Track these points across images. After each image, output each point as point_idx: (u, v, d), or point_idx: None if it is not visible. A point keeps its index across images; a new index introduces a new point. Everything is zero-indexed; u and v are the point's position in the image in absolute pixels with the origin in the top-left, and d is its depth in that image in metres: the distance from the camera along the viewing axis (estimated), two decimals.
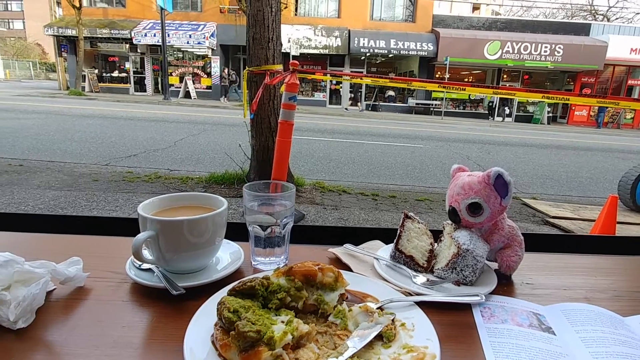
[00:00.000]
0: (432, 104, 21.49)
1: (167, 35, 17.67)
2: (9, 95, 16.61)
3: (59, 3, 22.79)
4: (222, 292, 0.54)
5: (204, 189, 4.29)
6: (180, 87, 20.88)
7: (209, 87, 21.55)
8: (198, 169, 5.27)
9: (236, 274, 0.64)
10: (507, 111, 21.40)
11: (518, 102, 21.59)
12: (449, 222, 0.71)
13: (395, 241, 0.71)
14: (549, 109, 21.32)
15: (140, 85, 22.29)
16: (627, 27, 21.99)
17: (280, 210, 0.67)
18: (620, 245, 0.93)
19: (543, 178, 6.35)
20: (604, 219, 3.31)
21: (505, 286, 0.67)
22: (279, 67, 3.91)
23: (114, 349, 0.47)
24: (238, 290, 0.48)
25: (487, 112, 21.79)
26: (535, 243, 0.85)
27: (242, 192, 0.68)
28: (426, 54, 20.05)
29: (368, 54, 20.80)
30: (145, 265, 0.63)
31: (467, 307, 0.59)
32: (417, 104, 21.57)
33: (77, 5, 18.93)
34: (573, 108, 21.48)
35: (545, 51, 19.85)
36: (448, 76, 20.07)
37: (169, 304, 0.56)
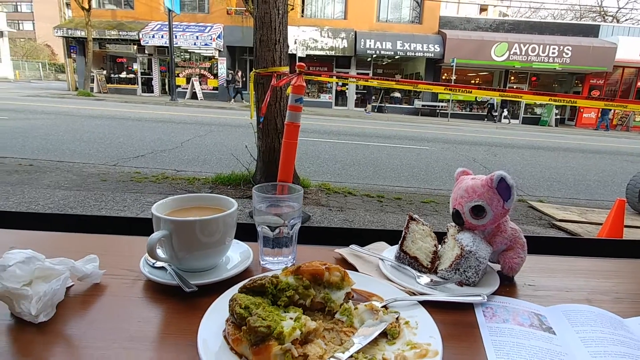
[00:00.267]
0: (439, 106, 21.43)
1: (174, 36, 17.81)
2: (19, 95, 16.84)
3: (68, 5, 23.06)
4: (233, 290, 0.56)
5: (210, 190, 4.33)
6: (187, 88, 21.04)
7: (215, 88, 21.68)
8: (205, 170, 5.31)
9: (245, 273, 0.67)
10: (505, 112, 21.20)
11: (525, 104, 21.46)
12: (453, 224, 0.73)
13: (400, 242, 0.73)
14: (557, 111, 21.16)
15: (147, 86, 22.49)
16: (637, 28, 21.78)
17: (288, 212, 0.69)
18: (623, 249, 0.94)
19: (550, 181, 6.32)
20: (611, 223, 3.29)
21: (507, 287, 0.69)
22: (286, 69, 3.94)
23: (131, 343, 0.49)
24: (249, 287, 0.51)
25: (485, 113, 21.59)
26: (538, 246, 0.86)
27: (248, 193, 0.70)
28: (433, 55, 20.00)
29: (374, 56, 20.81)
30: (159, 264, 0.65)
31: (469, 307, 0.60)
32: (423, 105, 21.52)
33: (86, 7, 19.16)
34: (581, 110, 21.29)
35: (553, 53, 19.72)
36: (455, 78, 20.01)
37: (182, 300, 0.59)
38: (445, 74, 21.45)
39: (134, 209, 3.66)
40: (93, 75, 20.88)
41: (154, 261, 0.65)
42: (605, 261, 0.83)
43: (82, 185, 4.27)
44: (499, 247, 0.70)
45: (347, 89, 22.18)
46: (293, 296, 0.51)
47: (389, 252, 0.77)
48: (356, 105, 22.53)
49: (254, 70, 3.94)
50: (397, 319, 0.53)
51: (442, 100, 21.39)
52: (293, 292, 0.52)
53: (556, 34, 20.55)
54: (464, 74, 22.13)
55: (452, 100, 20.99)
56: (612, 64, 19.52)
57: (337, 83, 21.87)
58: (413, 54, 20.09)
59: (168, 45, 17.65)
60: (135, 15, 21.16)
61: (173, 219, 0.61)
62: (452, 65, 19.38)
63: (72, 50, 21.99)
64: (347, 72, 21.41)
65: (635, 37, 20.08)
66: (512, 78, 22.23)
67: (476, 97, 20.86)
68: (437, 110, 21.41)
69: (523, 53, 19.84)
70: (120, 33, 20.41)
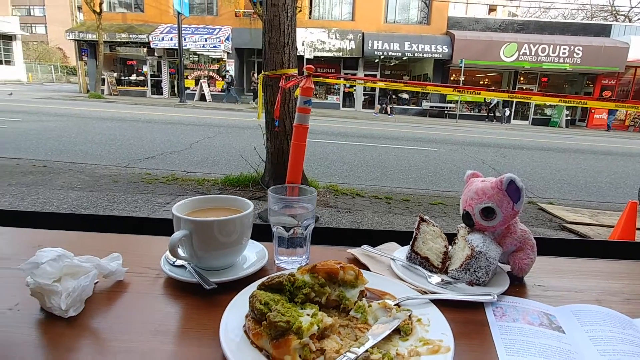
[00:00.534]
0: (447, 107, 21.32)
1: (183, 39, 18.00)
2: (32, 98, 17.14)
3: (80, 8, 23.45)
4: (250, 288, 0.58)
5: (219, 191, 4.38)
6: (195, 90, 21.23)
7: (223, 90, 21.83)
8: (214, 171, 5.37)
9: (261, 272, 0.69)
10: (508, 113, 20.97)
11: (535, 105, 21.25)
12: (463, 225, 0.74)
13: (411, 243, 0.74)
14: (568, 112, 20.92)
15: (157, 88, 22.74)
16: None
17: (302, 213, 0.71)
18: (633, 251, 0.95)
19: (560, 183, 6.26)
20: (623, 225, 3.26)
21: (517, 287, 0.70)
22: (294, 71, 3.97)
23: (155, 336, 0.51)
24: (267, 285, 0.53)
25: (486, 114, 21.39)
26: (548, 247, 0.87)
27: (257, 194, 0.73)
28: (441, 56, 19.92)
29: (382, 57, 20.79)
30: (178, 262, 0.68)
31: (480, 306, 0.62)
32: (431, 106, 21.43)
33: (98, 10, 19.46)
34: (592, 111, 21.03)
35: (563, 53, 19.51)
36: (463, 79, 19.90)
37: (201, 297, 0.61)
38: (454, 75, 21.34)
39: (145, 209, 3.72)
40: (104, 78, 21.18)
41: (174, 260, 0.68)
42: (616, 263, 0.83)
43: (94, 186, 4.35)
44: (509, 248, 0.72)
45: (354, 90, 22.18)
46: (309, 293, 0.54)
47: (400, 252, 0.79)
48: (364, 107, 22.52)
49: (263, 72, 3.98)
50: (409, 316, 0.54)
51: (450, 102, 21.28)
52: (309, 290, 0.54)
53: (567, 34, 20.34)
54: (472, 74, 22.00)
55: (461, 101, 20.87)
56: (624, 64, 19.25)
57: (344, 84, 21.89)
58: (421, 55, 20.03)
59: (177, 47, 17.85)
60: (145, 18, 21.42)
61: (193, 219, 0.63)
62: (461, 66, 19.27)
63: (83, 53, 22.34)
64: (355, 74, 21.42)
65: None
66: (522, 79, 22.03)
67: (485, 99, 20.73)
68: (445, 112, 21.30)
69: (533, 53, 19.66)
70: (131, 36, 20.68)
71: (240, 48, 21.03)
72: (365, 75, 21.47)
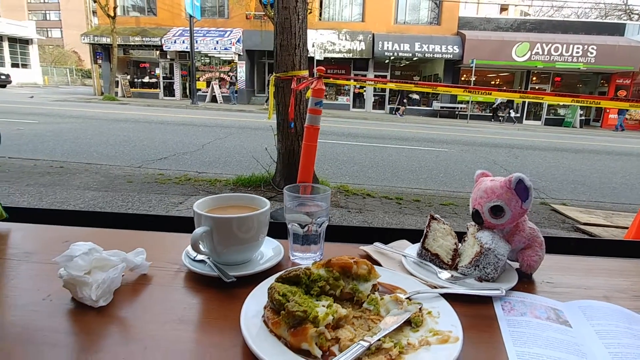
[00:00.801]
0: (458, 108, 21.16)
1: (195, 41, 18.24)
2: (49, 100, 17.54)
3: (94, 12, 23.90)
4: (268, 281, 0.61)
5: (231, 191, 4.43)
6: (207, 92, 21.47)
7: (235, 92, 22.02)
8: (225, 172, 5.43)
9: (277, 267, 0.72)
10: (513, 113, 20.67)
11: (548, 105, 20.96)
12: (473, 223, 0.76)
13: (421, 240, 0.77)
14: (581, 112, 20.59)
15: (169, 90, 23.06)
16: None
17: (316, 211, 0.74)
18: None
19: (574, 183, 6.18)
20: (637, 226, 3.20)
21: (526, 284, 0.72)
22: (305, 73, 4.01)
23: (180, 325, 0.55)
24: (285, 278, 0.56)
25: (493, 114, 21.14)
26: (558, 246, 0.89)
27: (268, 194, 0.76)
28: (452, 56, 19.80)
29: (392, 58, 20.74)
30: (199, 257, 0.71)
31: (488, 301, 0.64)
32: (442, 107, 21.30)
33: (112, 14, 19.82)
34: (607, 111, 20.66)
35: (577, 52, 19.22)
36: (474, 79, 19.75)
37: (221, 290, 0.64)
38: (465, 75, 21.19)
39: (159, 209, 3.79)
40: (118, 80, 21.56)
41: (194, 255, 0.71)
42: (625, 261, 0.84)
43: (109, 186, 4.44)
44: (518, 245, 0.74)
45: (364, 91, 22.17)
46: (324, 286, 0.56)
47: (411, 249, 0.81)
48: (374, 108, 22.49)
49: (274, 74, 4.02)
50: (420, 309, 0.57)
51: (461, 102, 21.12)
52: (324, 283, 0.57)
53: (580, 33, 20.04)
54: (483, 75, 21.82)
55: (472, 101, 20.70)
56: (639, 63, 18.88)
57: (354, 85, 21.89)
58: (431, 55, 19.94)
59: (189, 50, 18.09)
60: (158, 21, 21.75)
61: (213, 216, 0.67)
62: (472, 67, 19.12)
63: (98, 57, 22.78)
64: (365, 75, 21.41)
65: None
66: (534, 78, 21.77)
67: (496, 99, 20.53)
68: (456, 112, 21.15)
69: (545, 53, 19.41)
70: (144, 39, 21.03)
71: (251, 50, 21.20)
72: (375, 76, 21.46)
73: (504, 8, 30.41)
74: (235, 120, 12.77)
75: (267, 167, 4.73)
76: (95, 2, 20.26)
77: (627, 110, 18.99)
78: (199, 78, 21.50)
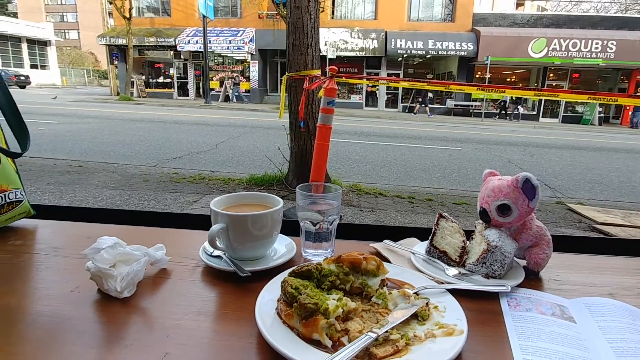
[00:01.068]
0: (472, 106, 20.91)
1: (208, 41, 18.43)
2: (67, 101, 17.97)
3: (110, 14, 24.38)
4: (282, 275, 0.64)
5: (244, 190, 4.49)
6: (220, 91, 21.68)
7: (247, 91, 22.20)
8: (239, 171, 5.50)
9: (290, 263, 0.75)
10: (521, 109, 20.23)
11: (565, 102, 20.54)
12: (480, 221, 0.78)
13: (430, 238, 0.79)
14: (600, 109, 20.10)
15: (183, 90, 23.38)
16: None
17: (328, 209, 0.77)
18: None
19: (592, 182, 6.06)
20: None
21: (532, 281, 0.73)
22: (318, 72, 4.04)
23: (199, 316, 0.58)
24: (297, 272, 0.59)
25: (501, 111, 20.75)
26: (566, 244, 0.89)
27: (281, 193, 0.79)
28: (466, 53, 19.57)
29: (405, 55, 20.61)
30: (215, 253, 0.75)
31: (495, 297, 0.66)
32: (455, 105, 21.07)
33: (127, 15, 20.20)
34: (627, 108, 20.13)
35: (596, 48, 18.77)
36: (489, 76, 19.46)
37: (236, 284, 0.68)
38: (479, 73, 20.91)
39: (174, 207, 3.87)
40: (133, 81, 21.96)
41: (211, 250, 0.75)
42: (633, 260, 0.85)
43: (126, 185, 4.55)
44: (525, 243, 0.75)
45: (377, 89, 22.08)
46: (335, 281, 0.59)
47: (420, 247, 0.83)
48: (386, 106, 22.38)
49: (287, 73, 4.06)
50: (427, 303, 0.59)
51: (475, 100, 20.86)
52: (335, 278, 0.59)
53: (599, 28, 19.54)
54: (499, 72, 21.49)
55: (486, 99, 20.41)
56: None
57: (367, 84, 21.82)
58: (445, 52, 19.73)
59: (202, 50, 18.30)
60: (172, 22, 22.06)
61: (229, 214, 0.70)
62: (486, 64, 18.85)
63: (114, 57, 23.24)
64: (378, 73, 21.32)
65: None
66: (551, 75, 21.34)
67: (504, 96, 20.17)
68: (471, 110, 20.90)
69: (563, 49, 19.01)
70: (158, 40, 21.36)
71: (264, 49, 21.33)
72: (388, 74, 21.35)
73: (520, 3, 29.86)
74: (248, 119, 12.88)
75: (279, 166, 4.78)
76: (111, 3, 20.66)
77: None
78: (212, 78, 21.74)
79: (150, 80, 23.93)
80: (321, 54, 4.15)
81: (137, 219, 1.00)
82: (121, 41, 21.39)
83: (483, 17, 20.65)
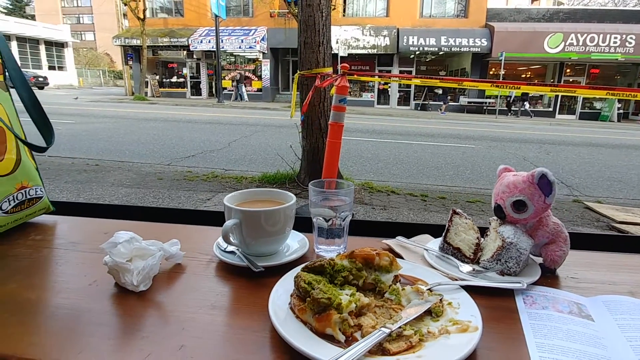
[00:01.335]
0: (486, 103, 20.60)
1: (220, 40, 18.57)
2: (84, 101, 18.33)
3: (125, 15, 24.76)
4: (294, 270, 0.65)
5: (257, 188, 4.51)
6: (232, 90, 21.84)
7: (259, 90, 22.31)
8: (251, 169, 5.54)
9: (302, 258, 0.75)
10: (527, 106, 19.79)
11: (583, 98, 20.08)
12: (495, 218, 0.77)
13: (443, 234, 0.78)
14: (619, 105, 19.59)
15: (195, 89, 23.62)
16: None
17: (340, 205, 0.77)
18: None
19: (610, 180, 5.92)
20: None
21: (549, 278, 0.72)
22: (329, 70, 4.03)
23: (213, 310, 0.59)
24: (310, 267, 0.59)
25: (506, 108, 20.36)
26: (584, 242, 0.88)
27: (292, 191, 0.79)
28: (479, 50, 19.29)
29: (417, 52, 20.41)
30: (229, 248, 0.75)
31: (510, 294, 0.65)
32: (469, 102, 20.79)
33: (141, 16, 20.49)
34: None
35: (614, 42, 18.29)
36: (503, 72, 19.14)
37: (250, 279, 0.68)
38: (493, 69, 20.60)
39: (187, 205, 3.92)
40: (147, 81, 22.27)
41: (225, 246, 0.76)
42: None
43: (141, 183, 4.62)
44: (541, 240, 0.74)
45: (389, 87, 21.94)
46: (348, 277, 0.59)
47: (433, 243, 0.82)
48: (399, 104, 22.22)
49: (298, 71, 4.06)
50: (440, 300, 0.59)
51: (489, 97, 20.55)
52: (348, 273, 0.59)
53: (618, 22, 19.03)
54: (513, 68, 21.13)
55: (500, 96, 20.09)
56: None
57: (379, 82, 21.69)
58: (458, 49, 19.49)
59: (215, 49, 18.45)
60: (185, 22, 22.29)
61: (242, 209, 0.71)
62: (501, 60, 18.54)
63: (128, 58, 23.60)
64: (390, 70, 21.18)
65: None
66: (568, 71, 20.87)
67: (511, 92, 19.80)
68: (484, 107, 20.60)
69: (580, 43, 18.57)
70: (172, 40, 21.62)
71: (275, 48, 21.40)
72: (400, 71, 21.19)
73: None
74: (260, 118, 12.94)
75: (291, 164, 4.79)
76: (125, 5, 20.98)
77: None
78: (224, 77, 21.90)
79: (164, 80, 24.24)
80: (333, 52, 4.14)
81: (152, 215, 1.02)
82: (135, 42, 21.72)
83: (497, 12, 20.32)
